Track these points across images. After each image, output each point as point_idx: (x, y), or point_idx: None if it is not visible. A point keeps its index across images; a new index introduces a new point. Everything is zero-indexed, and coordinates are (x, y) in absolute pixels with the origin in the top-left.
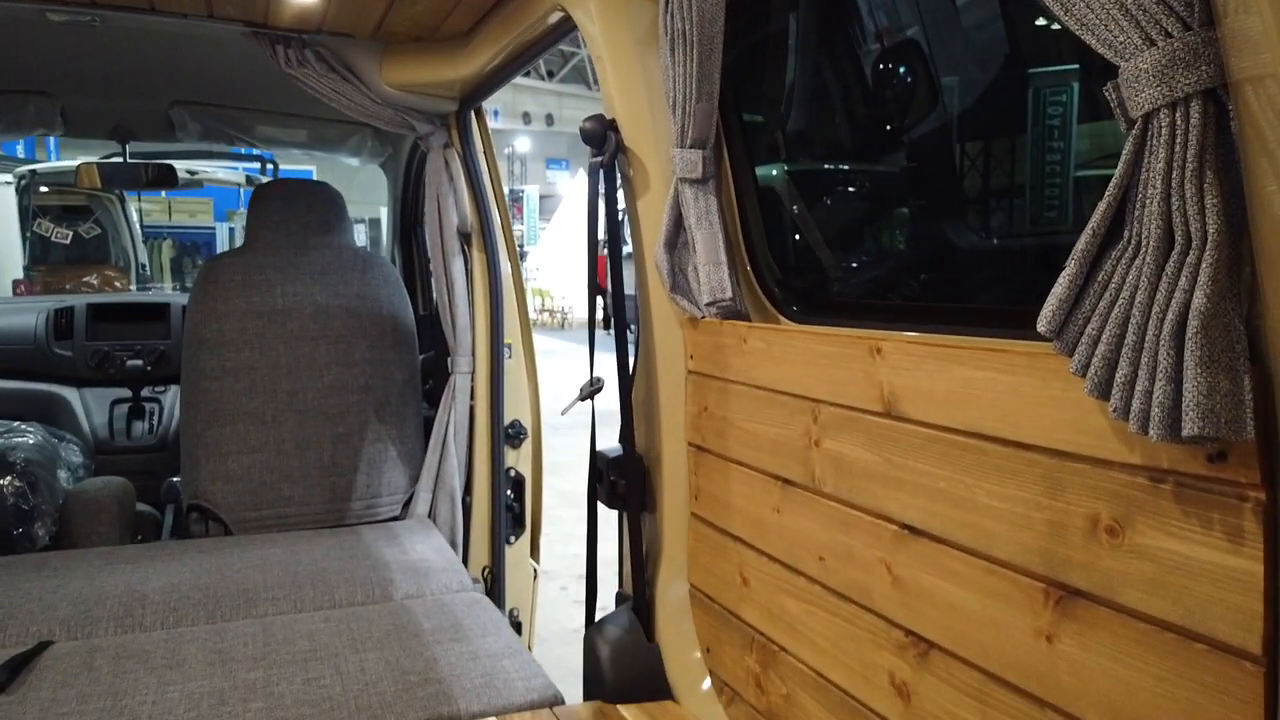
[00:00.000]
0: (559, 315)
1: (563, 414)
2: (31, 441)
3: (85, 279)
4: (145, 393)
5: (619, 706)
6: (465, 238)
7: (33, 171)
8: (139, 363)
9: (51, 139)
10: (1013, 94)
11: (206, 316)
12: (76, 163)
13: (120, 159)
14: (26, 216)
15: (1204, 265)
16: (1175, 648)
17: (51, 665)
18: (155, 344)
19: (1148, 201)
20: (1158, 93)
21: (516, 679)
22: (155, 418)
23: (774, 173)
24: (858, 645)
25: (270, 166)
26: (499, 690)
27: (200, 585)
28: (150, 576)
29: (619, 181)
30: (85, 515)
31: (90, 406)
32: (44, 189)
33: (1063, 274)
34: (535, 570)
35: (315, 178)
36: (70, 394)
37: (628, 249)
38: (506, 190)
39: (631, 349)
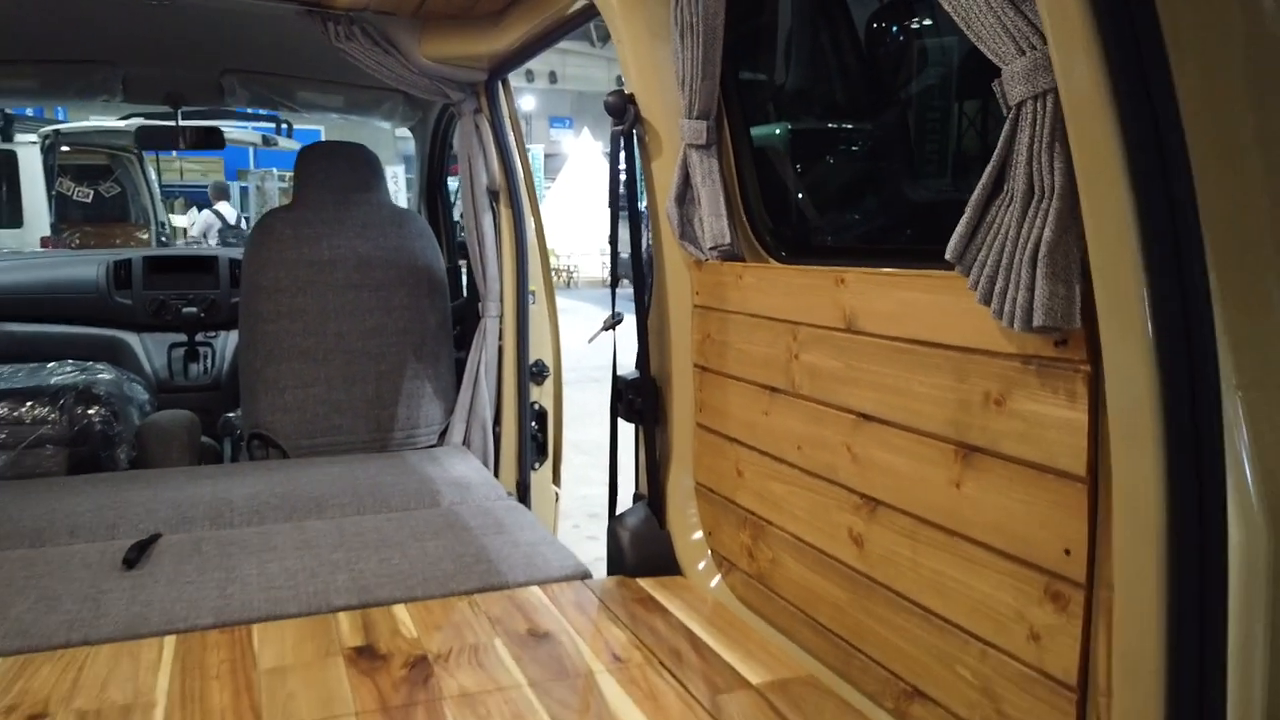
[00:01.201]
0: (564, 274)
1: (589, 342)
2: (109, 378)
3: (107, 236)
4: (199, 337)
5: (637, 579)
6: (493, 195)
7: (56, 131)
8: (193, 310)
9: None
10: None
11: (262, 265)
12: (107, 123)
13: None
14: (51, 176)
15: (1052, 210)
16: (1036, 479)
17: (165, 550)
18: (206, 293)
19: (1017, 165)
20: (1026, 88)
21: (553, 559)
22: (209, 360)
23: (772, 133)
24: (826, 511)
25: (285, 126)
26: (538, 567)
27: (275, 493)
28: (231, 488)
29: (636, 147)
30: (159, 442)
31: (150, 350)
32: (65, 149)
33: (963, 217)
34: (557, 494)
35: (323, 137)
36: (131, 338)
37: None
38: None
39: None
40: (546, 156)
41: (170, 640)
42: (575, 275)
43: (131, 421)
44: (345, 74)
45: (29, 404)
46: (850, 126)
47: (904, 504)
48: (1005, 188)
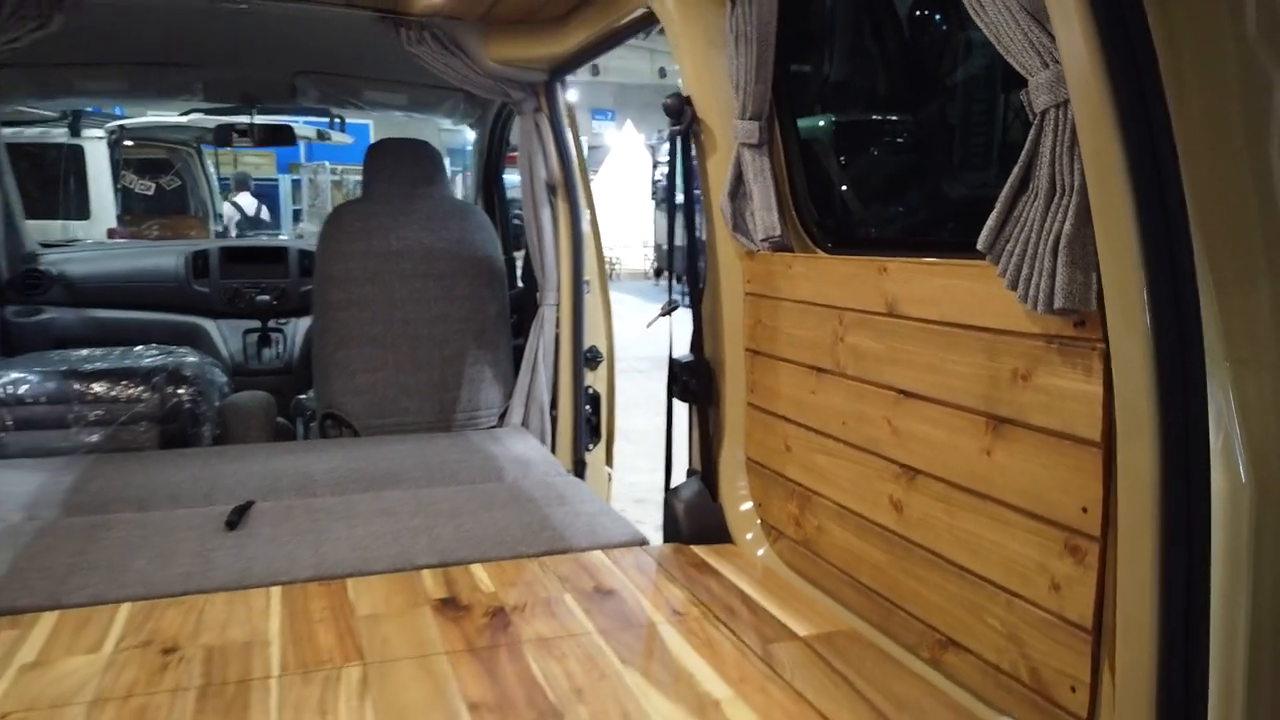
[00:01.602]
0: (607, 266)
1: (648, 326)
2: (194, 360)
3: (168, 228)
4: (271, 324)
5: (691, 546)
6: (551, 190)
7: (121, 127)
8: (266, 298)
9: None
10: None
11: (334, 256)
12: (169, 118)
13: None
14: (117, 169)
15: (1072, 205)
16: (1057, 445)
17: (260, 515)
18: (277, 282)
19: (1041, 165)
20: (1049, 98)
21: (612, 528)
22: (281, 345)
23: (816, 125)
24: (868, 481)
25: (338, 121)
26: (599, 534)
27: (353, 467)
28: (311, 462)
29: (692, 146)
30: (239, 421)
31: (225, 335)
32: (129, 143)
33: (993, 212)
34: (609, 475)
35: (372, 131)
36: (209, 324)
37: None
38: None
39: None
40: (589, 149)
41: (276, 590)
42: (618, 267)
43: (213, 402)
44: (410, 74)
45: (124, 383)
46: (893, 120)
47: (940, 471)
48: (1030, 186)
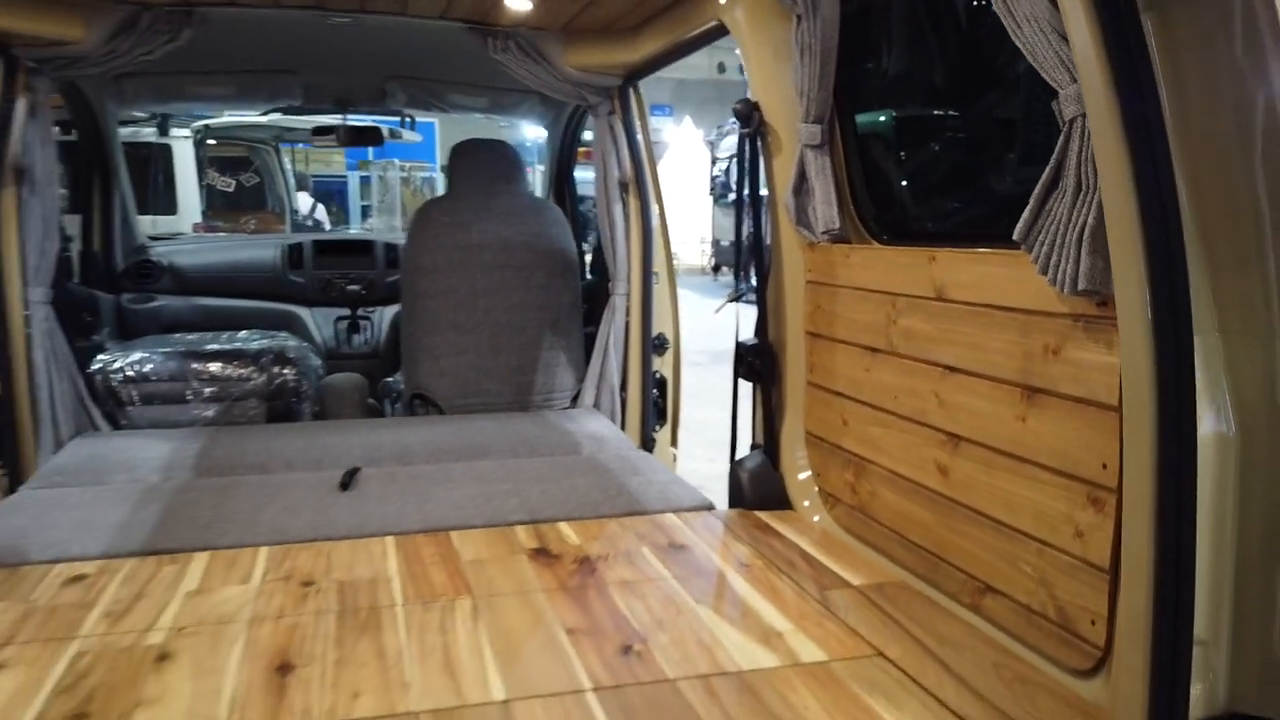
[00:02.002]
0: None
1: (716, 312)
2: (295, 344)
3: (249, 223)
4: (360, 311)
5: (754, 512)
6: (623, 187)
7: (206, 126)
8: (356, 287)
9: None
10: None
11: (422, 249)
12: (249, 118)
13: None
14: (201, 167)
15: (1094, 201)
16: (1082, 411)
17: (367, 479)
18: (365, 273)
19: (1069, 167)
20: (1077, 108)
21: (683, 494)
22: (369, 331)
23: (877, 125)
24: (917, 448)
25: (408, 119)
26: (671, 500)
27: (444, 440)
28: (406, 435)
29: (759, 146)
30: (335, 399)
31: (319, 322)
32: (212, 142)
33: (1027, 207)
34: (675, 455)
35: (437, 129)
36: (303, 312)
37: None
38: None
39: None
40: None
41: (389, 539)
42: (676, 263)
43: (312, 382)
44: (491, 78)
45: (235, 364)
46: (944, 121)
47: (981, 438)
48: (1060, 184)
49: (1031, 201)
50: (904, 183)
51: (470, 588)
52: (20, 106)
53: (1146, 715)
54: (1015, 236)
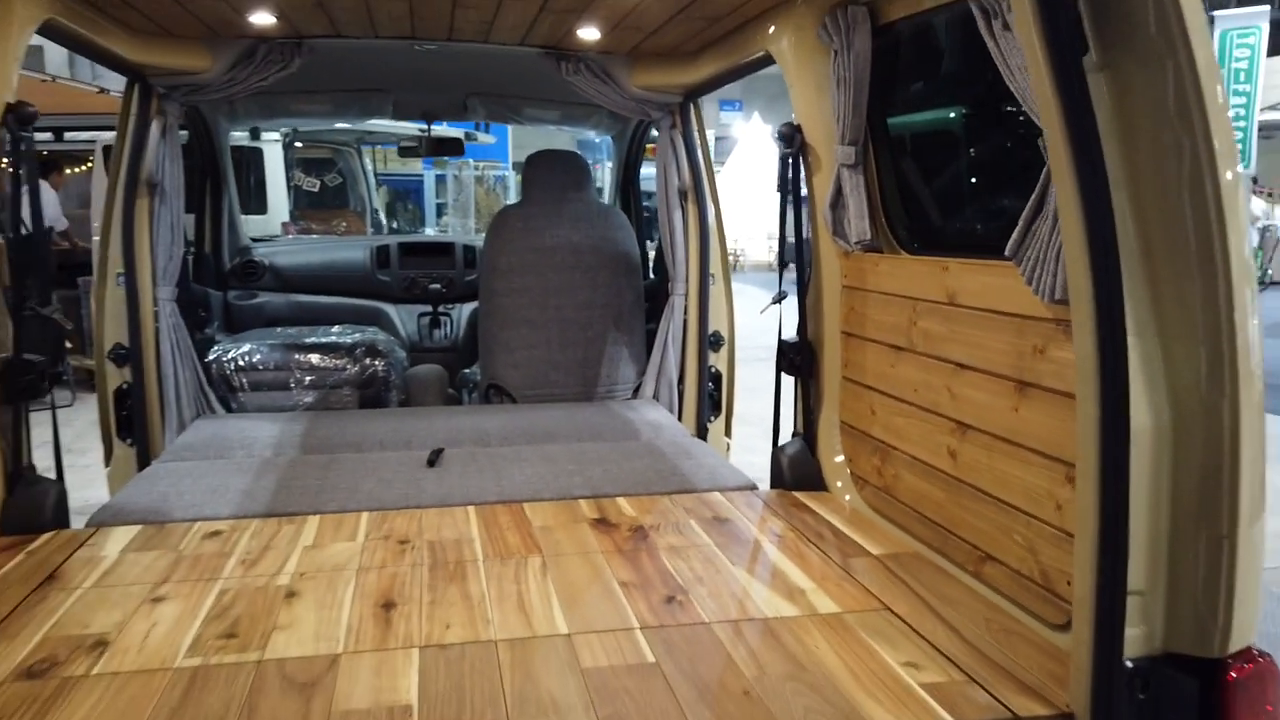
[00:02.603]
0: (732, 257)
1: (761, 313)
2: (382, 338)
3: (332, 223)
4: (441, 308)
5: (793, 492)
6: (683, 194)
7: (295, 129)
8: (437, 286)
9: None
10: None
11: (499, 251)
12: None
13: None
14: (289, 169)
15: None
16: (1063, 401)
17: (451, 458)
18: (446, 272)
19: (1051, 196)
20: None
21: (729, 476)
22: (449, 327)
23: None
24: (932, 435)
25: (482, 124)
26: (718, 480)
27: (517, 426)
28: (483, 421)
29: (801, 164)
30: (419, 388)
31: (403, 318)
32: (299, 144)
33: (1016, 228)
34: (728, 445)
35: (510, 134)
36: (389, 308)
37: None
38: None
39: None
40: (715, 140)
41: (471, 508)
42: (742, 259)
43: (399, 372)
44: (563, 94)
45: (331, 355)
46: (962, 145)
47: (983, 425)
48: (1044, 209)
49: (1020, 223)
50: (931, 198)
51: (540, 548)
52: (154, 128)
53: (1092, 654)
54: (1006, 253)
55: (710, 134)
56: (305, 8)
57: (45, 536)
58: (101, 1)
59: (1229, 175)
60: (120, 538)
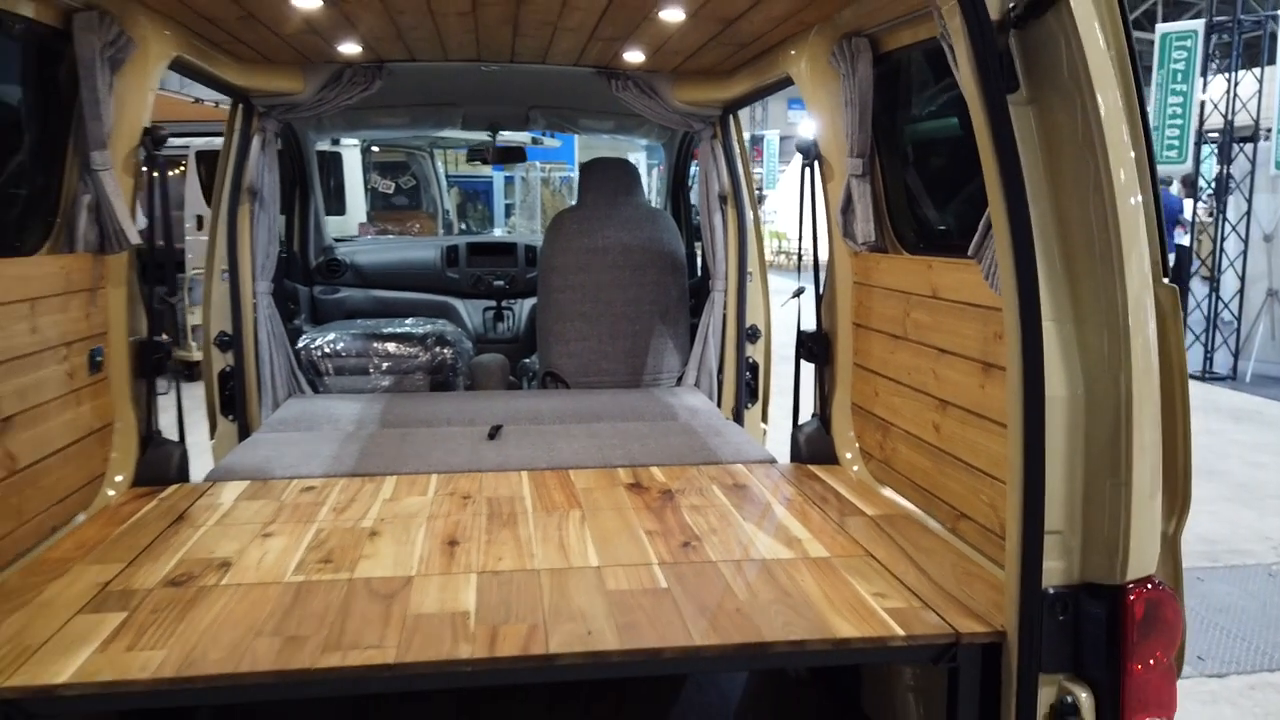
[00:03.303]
0: (794, 257)
1: (782, 305)
2: (451, 329)
3: (405, 224)
4: (504, 303)
5: (808, 465)
6: (723, 200)
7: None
8: (501, 283)
9: None
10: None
11: (556, 251)
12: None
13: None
14: (367, 172)
15: None
16: None
17: (508, 433)
18: (509, 270)
19: None
20: None
21: (752, 451)
22: (510, 320)
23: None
24: (920, 412)
25: (544, 129)
26: (742, 454)
27: (569, 408)
28: (539, 403)
29: (818, 174)
30: (483, 374)
31: (469, 311)
32: (375, 149)
33: (977, 233)
34: (764, 430)
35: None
36: (457, 303)
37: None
38: (747, 136)
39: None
40: (782, 139)
41: (524, 473)
42: (806, 259)
43: (465, 360)
44: (615, 106)
45: (406, 344)
46: (953, 159)
47: (959, 402)
48: None
49: (980, 227)
50: (927, 203)
51: (580, 504)
52: (255, 143)
53: (1020, 584)
54: (969, 253)
55: (775, 133)
56: (386, 37)
57: (172, 488)
58: (217, 37)
59: (1131, 201)
60: (232, 490)
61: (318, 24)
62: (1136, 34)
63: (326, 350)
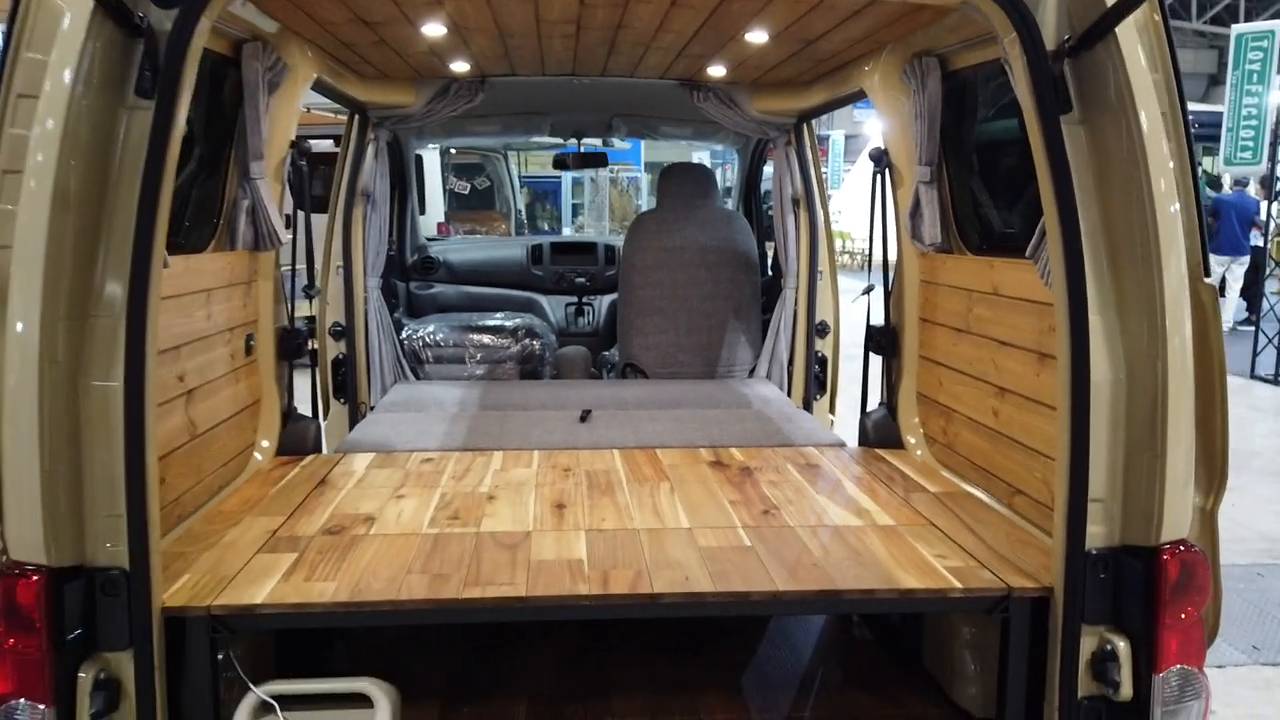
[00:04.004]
0: (859, 257)
1: (853, 302)
2: (538, 322)
3: (480, 223)
4: (585, 299)
5: (875, 449)
6: (795, 203)
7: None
8: (582, 280)
9: None
10: None
11: (636, 250)
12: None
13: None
14: (445, 174)
15: None
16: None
17: (598, 417)
18: (589, 268)
19: None
20: None
21: (824, 436)
22: (591, 315)
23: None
24: (981, 399)
25: (625, 136)
26: (813, 438)
27: (651, 396)
28: (622, 391)
29: (889, 180)
30: (568, 365)
31: (553, 306)
32: (453, 151)
33: (1035, 234)
34: (831, 421)
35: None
36: (541, 298)
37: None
38: None
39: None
40: (847, 138)
41: (616, 451)
42: (875, 258)
43: (551, 352)
44: (693, 114)
45: (498, 336)
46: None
47: (1017, 389)
48: None
49: (1037, 232)
50: (992, 207)
51: (669, 477)
52: (369, 151)
53: (1065, 546)
54: (1027, 254)
55: (840, 133)
56: (494, 55)
57: (310, 457)
58: (348, 59)
59: (1171, 209)
60: (362, 460)
61: (437, 46)
62: (1216, 30)
63: (427, 340)
